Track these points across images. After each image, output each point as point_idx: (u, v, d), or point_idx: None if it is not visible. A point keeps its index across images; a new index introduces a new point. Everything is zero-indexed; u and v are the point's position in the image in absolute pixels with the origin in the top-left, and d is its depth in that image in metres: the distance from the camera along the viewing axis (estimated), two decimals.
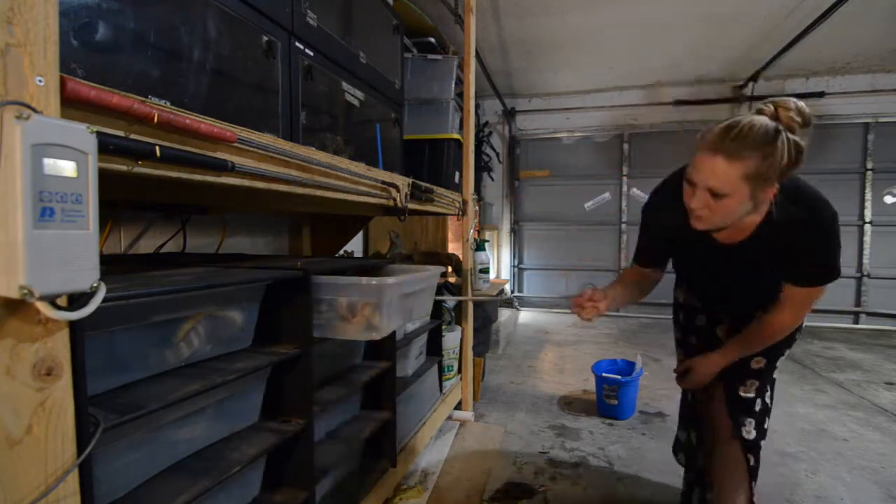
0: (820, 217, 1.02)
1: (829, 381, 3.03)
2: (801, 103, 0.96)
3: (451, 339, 2.24)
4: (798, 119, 0.94)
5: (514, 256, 5.80)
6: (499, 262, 5.73)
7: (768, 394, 1.25)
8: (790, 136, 0.93)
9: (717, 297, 1.34)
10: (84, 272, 0.52)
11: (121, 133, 0.66)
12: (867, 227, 4.78)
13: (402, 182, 1.57)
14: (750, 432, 1.20)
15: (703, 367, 1.24)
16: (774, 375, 1.26)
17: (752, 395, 1.21)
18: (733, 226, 1.06)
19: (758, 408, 1.22)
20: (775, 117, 0.94)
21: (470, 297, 1.49)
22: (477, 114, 5.12)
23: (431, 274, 1.39)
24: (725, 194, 0.94)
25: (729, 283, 1.26)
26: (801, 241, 1.04)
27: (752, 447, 1.20)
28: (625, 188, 5.39)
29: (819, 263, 1.06)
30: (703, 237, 1.12)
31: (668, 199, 1.15)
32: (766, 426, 1.23)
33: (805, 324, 1.22)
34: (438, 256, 3.39)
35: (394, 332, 1.51)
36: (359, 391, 1.46)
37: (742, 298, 1.27)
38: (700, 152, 0.97)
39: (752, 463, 1.20)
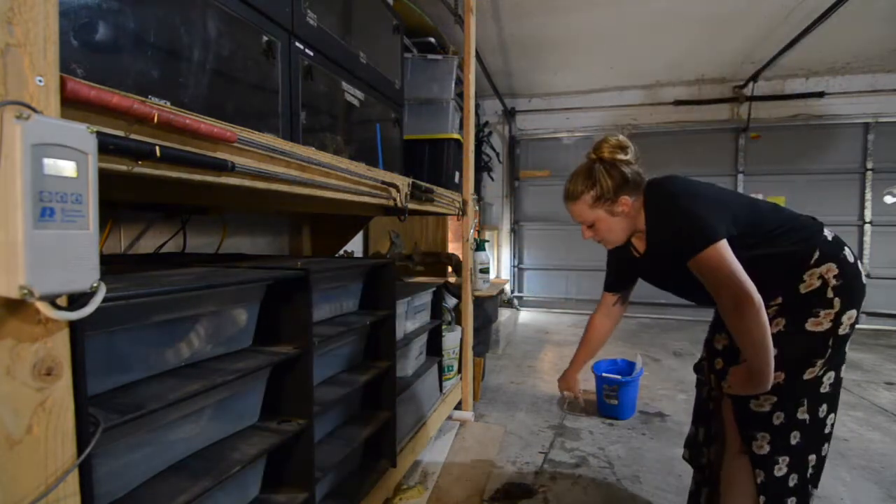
0: (663, 197, 1.21)
1: None
2: (621, 137, 1.26)
3: (451, 339, 2.24)
4: (616, 147, 1.24)
5: (514, 256, 5.80)
6: (499, 262, 5.74)
7: (802, 408, 1.16)
8: (605, 164, 1.23)
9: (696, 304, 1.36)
10: (84, 272, 0.52)
11: (121, 133, 0.65)
12: (867, 227, 4.77)
13: (402, 182, 1.57)
14: (762, 447, 1.15)
15: (734, 377, 1.19)
16: (823, 391, 1.17)
17: (766, 409, 1.16)
18: (634, 237, 1.31)
19: (777, 421, 1.15)
20: (597, 153, 1.25)
21: None
22: (477, 114, 5.12)
23: None
24: (592, 221, 1.28)
25: (679, 291, 1.33)
26: (664, 224, 1.20)
27: (763, 462, 1.15)
28: None
29: (683, 233, 1.12)
30: (633, 255, 1.35)
31: None
32: (793, 442, 1.15)
33: (821, 329, 1.12)
34: (438, 256, 3.39)
35: (394, 332, 1.51)
36: (359, 391, 1.46)
37: (700, 302, 1.31)
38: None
39: (760, 479, 1.15)
